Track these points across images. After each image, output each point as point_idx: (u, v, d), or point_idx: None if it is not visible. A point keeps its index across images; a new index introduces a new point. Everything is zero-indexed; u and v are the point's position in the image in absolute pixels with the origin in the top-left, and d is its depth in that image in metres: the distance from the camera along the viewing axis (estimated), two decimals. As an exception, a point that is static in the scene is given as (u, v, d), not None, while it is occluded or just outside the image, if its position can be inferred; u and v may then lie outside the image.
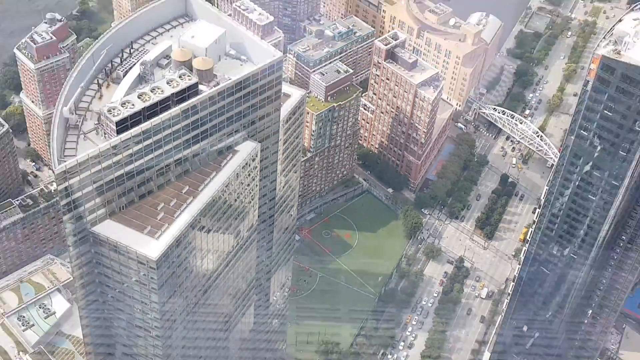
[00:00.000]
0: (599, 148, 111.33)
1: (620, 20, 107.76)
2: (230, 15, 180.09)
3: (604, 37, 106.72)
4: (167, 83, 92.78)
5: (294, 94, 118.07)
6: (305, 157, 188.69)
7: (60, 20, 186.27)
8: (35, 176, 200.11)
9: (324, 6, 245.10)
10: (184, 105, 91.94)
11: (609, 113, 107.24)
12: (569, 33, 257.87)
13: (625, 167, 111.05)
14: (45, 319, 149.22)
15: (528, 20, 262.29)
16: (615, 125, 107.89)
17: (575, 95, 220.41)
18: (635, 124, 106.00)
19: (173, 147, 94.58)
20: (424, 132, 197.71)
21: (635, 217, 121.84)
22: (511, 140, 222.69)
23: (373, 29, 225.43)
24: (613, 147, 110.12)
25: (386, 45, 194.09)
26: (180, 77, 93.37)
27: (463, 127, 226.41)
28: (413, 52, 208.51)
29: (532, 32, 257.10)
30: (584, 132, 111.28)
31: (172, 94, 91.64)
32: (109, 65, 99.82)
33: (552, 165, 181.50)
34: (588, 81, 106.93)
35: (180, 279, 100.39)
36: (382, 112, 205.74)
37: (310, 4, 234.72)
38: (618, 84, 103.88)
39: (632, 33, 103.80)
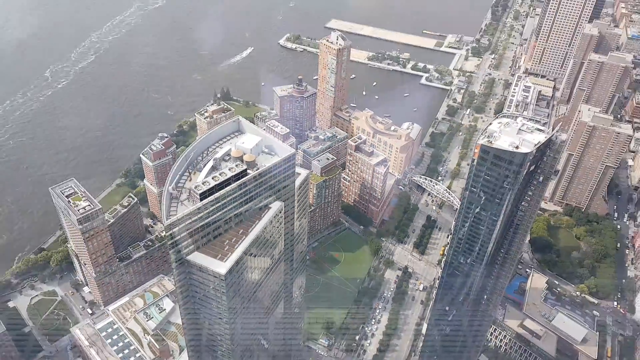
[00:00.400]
0: (483, 198, 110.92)
1: (490, 124, 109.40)
2: (264, 129, 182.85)
3: (481, 134, 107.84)
4: (229, 170, 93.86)
5: (303, 172, 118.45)
6: (311, 209, 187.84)
7: (167, 137, 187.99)
8: (152, 227, 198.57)
9: (317, 122, 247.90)
10: (239, 182, 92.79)
11: (488, 177, 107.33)
12: (461, 132, 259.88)
13: (499, 208, 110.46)
14: (159, 313, 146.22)
15: (436, 125, 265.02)
16: (492, 184, 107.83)
17: (467, 165, 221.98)
18: (504, 183, 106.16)
19: (233, 206, 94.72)
20: (379, 192, 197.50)
21: (508, 239, 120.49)
22: (431, 195, 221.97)
23: (347, 133, 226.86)
24: (492, 197, 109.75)
25: (355, 143, 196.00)
26: (236, 166, 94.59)
27: (402, 188, 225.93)
28: (370, 146, 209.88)
29: (439, 132, 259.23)
30: (473, 189, 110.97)
31: (232, 176, 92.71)
32: (195, 161, 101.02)
33: (457, 209, 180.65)
34: (474, 159, 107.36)
35: (239, 286, 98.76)
36: (354, 181, 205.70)
37: (310, 121, 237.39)
38: (492, 160, 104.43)
39: (498, 131, 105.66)
